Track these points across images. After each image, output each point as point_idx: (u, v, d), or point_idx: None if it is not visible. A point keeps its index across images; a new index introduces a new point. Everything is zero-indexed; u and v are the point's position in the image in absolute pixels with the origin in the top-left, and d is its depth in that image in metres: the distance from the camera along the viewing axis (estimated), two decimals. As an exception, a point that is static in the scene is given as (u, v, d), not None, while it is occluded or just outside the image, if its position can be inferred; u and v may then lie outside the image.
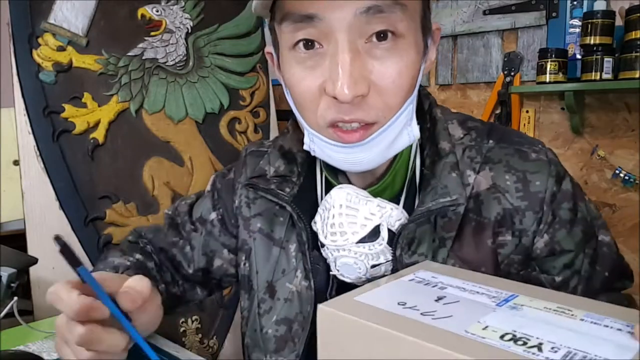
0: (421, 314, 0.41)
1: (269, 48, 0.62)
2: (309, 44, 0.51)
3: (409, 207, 0.60)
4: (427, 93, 0.67)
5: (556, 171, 0.59)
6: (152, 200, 1.57)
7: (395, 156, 0.61)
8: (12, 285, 0.98)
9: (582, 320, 0.41)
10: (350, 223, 0.57)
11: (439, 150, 0.60)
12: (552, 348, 0.35)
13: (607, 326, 0.40)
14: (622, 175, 1.64)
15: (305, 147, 0.60)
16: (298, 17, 0.50)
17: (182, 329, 1.60)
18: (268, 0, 0.53)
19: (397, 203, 0.61)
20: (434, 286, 0.48)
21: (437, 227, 0.59)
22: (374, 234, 0.57)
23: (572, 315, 0.42)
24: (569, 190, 0.60)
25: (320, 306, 0.42)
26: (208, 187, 0.80)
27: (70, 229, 1.42)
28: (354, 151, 0.54)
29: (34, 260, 1.09)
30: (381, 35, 0.50)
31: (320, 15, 0.49)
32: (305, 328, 0.64)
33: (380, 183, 0.61)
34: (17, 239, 1.39)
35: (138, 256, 0.74)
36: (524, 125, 1.81)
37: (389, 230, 0.58)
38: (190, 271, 0.77)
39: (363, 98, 0.51)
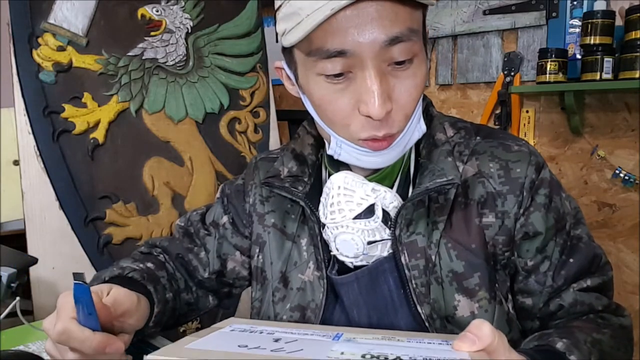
0: (271, 350, 0.43)
1: (280, 64, 0.66)
2: (340, 74, 0.57)
3: (402, 194, 0.67)
4: (424, 95, 0.73)
5: (536, 161, 0.66)
6: (152, 200, 1.57)
7: None
8: (12, 285, 0.98)
9: (409, 341, 0.47)
10: (348, 202, 0.63)
11: (435, 141, 0.68)
12: (410, 358, 0.40)
13: (430, 343, 0.47)
14: (622, 175, 1.64)
15: (330, 152, 0.66)
16: (332, 52, 0.55)
17: (182, 329, 1.60)
18: (302, 35, 0.56)
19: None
20: (260, 332, 0.51)
21: (430, 212, 0.65)
22: (370, 212, 0.63)
23: (399, 340, 0.48)
24: (547, 179, 0.66)
25: (148, 357, 0.43)
26: (217, 195, 0.85)
27: (70, 229, 1.42)
28: (381, 154, 0.62)
29: (34, 260, 1.09)
30: (402, 61, 0.57)
31: (350, 50, 0.55)
32: (317, 315, 0.69)
33: (379, 173, 0.67)
34: (17, 239, 1.39)
35: (149, 265, 0.76)
36: (524, 125, 1.81)
37: (384, 211, 0.64)
38: (206, 275, 0.80)
39: (388, 113, 0.57)
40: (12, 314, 0.80)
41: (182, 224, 0.84)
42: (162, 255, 0.81)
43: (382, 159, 0.63)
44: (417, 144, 0.69)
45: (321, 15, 0.52)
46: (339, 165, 0.68)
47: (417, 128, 0.64)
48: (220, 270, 0.80)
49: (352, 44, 0.54)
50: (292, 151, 0.76)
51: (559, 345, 0.56)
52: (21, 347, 0.74)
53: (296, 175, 0.73)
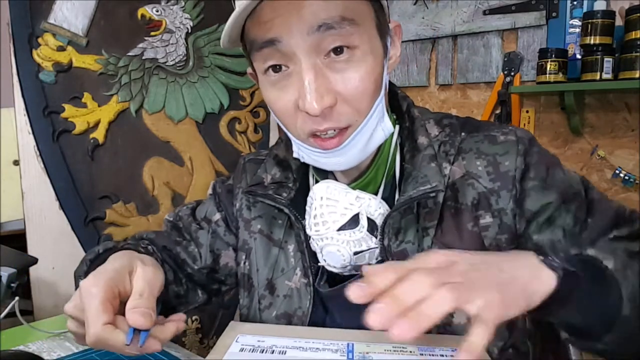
0: None
1: (250, 69, 0.66)
2: (277, 67, 0.57)
3: (388, 200, 0.64)
4: (405, 95, 0.71)
5: (524, 149, 0.63)
6: (152, 200, 1.57)
7: (377, 153, 0.65)
8: (12, 285, 0.98)
9: (421, 354, 0.47)
10: (331, 212, 0.62)
11: (417, 145, 0.65)
12: None
13: (441, 355, 0.47)
14: (622, 175, 1.64)
15: (295, 155, 0.65)
16: (262, 43, 0.55)
17: (182, 329, 1.60)
18: (235, 31, 0.57)
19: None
20: (271, 352, 0.52)
21: (420, 218, 0.63)
22: (355, 222, 0.61)
23: (410, 352, 0.48)
24: (537, 162, 0.63)
25: None
26: (209, 192, 0.84)
27: (70, 229, 1.42)
28: (334, 155, 0.60)
29: (34, 260, 1.09)
30: (337, 50, 0.55)
31: (279, 38, 0.54)
32: (304, 322, 0.68)
33: (363, 178, 0.65)
34: (17, 239, 1.39)
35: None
36: (524, 125, 1.81)
37: (369, 219, 0.62)
38: (196, 267, 0.78)
39: (332, 108, 0.56)
40: (12, 313, 0.80)
41: (171, 219, 0.82)
42: (150, 247, 0.78)
43: (341, 160, 0.60)
44: (402, 147, 0.67)
45: (234, 15, 0.54)
46: (325, 171, 0.67)
47: (381, 127, 0.61)
48: (212, 266, 0.78)
49: (280, 32, 0.54)
50: (275, 157, 0.74)
51: (591, 251, 0.51)
52: (21, 347, 0.74)
53: (280, 181, 0.71)
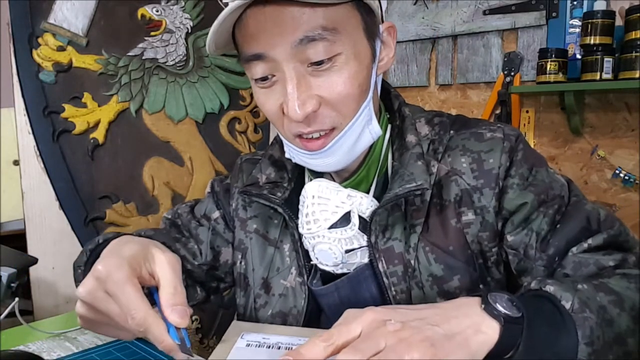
0: None
1: None
2: (264, 77, 0.59)
3: (380, 198, 0.64)
4: (397, 94, 0.71)
5: (509, 146, 0.63)
6: (152, 200, 1.57)
7: (368, 153, 0.66)
8: (12, 285, 0.98)
9: None
10: (322, 211, 0.62)
11: (406, 144, 0.65)
12: None
13: None
14: (622, 175, 1.64)
15: (287, 155, 0.67)
16: (249, 56, 0.58)
17: (182, 329, 1.60)
18: (223, 37, 0.59)
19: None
20: (277, 348, 0.53)
21: (407, 215, 0.63)
22: (346, 220, 0.62)
23: None
24: (520, 159, 0.63)
25: None
26: (207, 189, 0.83)
27: (70, 229, 1.42)
28: (320, 156, 0.61)
29: (34, 260, 1.09)
30: (320, 61, 0.56)
31: (265, 53, 0.56)
32: (299, 321, 0.68)
33: (355, 177, 0.66)
34: (17, 239, 1.39)
35: None
36: (524, 125, 1.81)
37: (361, 218, 0.62)
38: (196, 264, 0.78)
39: (315, 113, 0.58)
40: (13, 313, 0.80)
41: (169, 217, 0.82)
42: None
43: (328, 161, 0.61)
44: (393, 146, 0.67)
45: (215, 24, 0.55)
46: (319, 172, 0.67)
47: (369, 129, 0.62)
48: (212, 263, 0.78)
49: (265, 47, 0.56)
50: (270, 157, 0.75)
51: (550, 288, 0.48)
52: (21, 347, 0.74)
53: (275, 181, 0.71)
